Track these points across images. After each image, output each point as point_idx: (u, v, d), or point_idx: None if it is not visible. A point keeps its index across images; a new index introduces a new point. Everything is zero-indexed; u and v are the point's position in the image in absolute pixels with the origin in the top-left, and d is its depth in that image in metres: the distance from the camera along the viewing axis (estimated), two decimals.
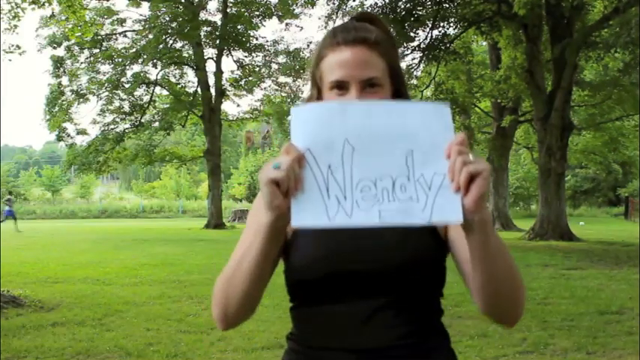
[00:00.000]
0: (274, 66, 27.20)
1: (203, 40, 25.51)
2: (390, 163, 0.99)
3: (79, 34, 15.78)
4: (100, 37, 24.58)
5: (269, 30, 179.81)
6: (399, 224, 0.97)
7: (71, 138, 25.40)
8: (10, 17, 12.41)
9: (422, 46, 19.29)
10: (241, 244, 1.20)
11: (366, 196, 0.98)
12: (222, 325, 1.18)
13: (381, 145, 0.99)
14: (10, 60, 18.91)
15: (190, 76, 26.88)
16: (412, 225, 0.97)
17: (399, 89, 1.23)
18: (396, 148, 0.99)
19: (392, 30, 1.29)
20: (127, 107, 25.82)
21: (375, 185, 0.98)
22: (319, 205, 0.97)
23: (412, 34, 18.77)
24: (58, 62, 24.73)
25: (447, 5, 18.88)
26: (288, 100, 27.14)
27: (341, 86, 1.17)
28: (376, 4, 17.91)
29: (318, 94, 1.23)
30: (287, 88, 27.44)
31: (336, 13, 19.35)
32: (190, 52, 25.73)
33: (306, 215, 0.97)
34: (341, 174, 0.98)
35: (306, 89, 1.32)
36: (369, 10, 17.02)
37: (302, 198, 0.97)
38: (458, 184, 0.95)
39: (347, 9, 19.38)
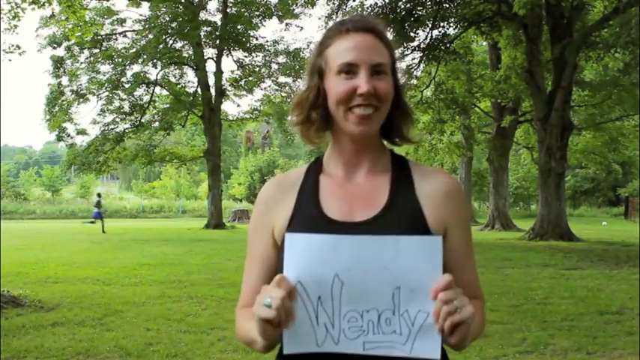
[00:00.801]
0: (274, 66, 27.18)
1: (203, 40, 25.50)
2: (378, 298, 1.05)
3: (79, 34, 15.75)
4: (100, 37, 24.55)
5: (269, 30, 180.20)
6: (382, 355, 1.06)
7: (71, 138, 25.36)
8: (10, 17, 12.38)
9: (422, 46, 19.28)
10: (250, 260, 1.29)
11: (353, 326, 1.06)
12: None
13: (369, 280, 1.05)
14: (10, 60, 18.90)
15: (190, 76, 26.91)
16: (393, 356, 1.06)
17: (396, 83, 1.26)
18: (384, 284, 1.05)
19: (391, 30, 1.32)
20: (127, 107, 25.78)
21: (361, 317, 1.06)
22: (309, 333, 1.06)
23: (412, 34, 18.75)
24: (58, 62, 24.70)
25: (447, 5, 18.87)
26: (288, 100, 27.08)
27: (349, 70, 1.18)
28: (376, 4, 17.92)
29: (320, 82, 1.24)
30: (287, 88, 27.39)
31: (336, 13, 19.34)
32: (190, 52, 25.72)
33: (297, 343, 1.07)
34: (330, 305, 1.05)
35: None
36: (369, 10, 17.07)
37: (293, 327, 1.05)
38: (441, 327, 1.03)
39: (347, 9, 19.37)
